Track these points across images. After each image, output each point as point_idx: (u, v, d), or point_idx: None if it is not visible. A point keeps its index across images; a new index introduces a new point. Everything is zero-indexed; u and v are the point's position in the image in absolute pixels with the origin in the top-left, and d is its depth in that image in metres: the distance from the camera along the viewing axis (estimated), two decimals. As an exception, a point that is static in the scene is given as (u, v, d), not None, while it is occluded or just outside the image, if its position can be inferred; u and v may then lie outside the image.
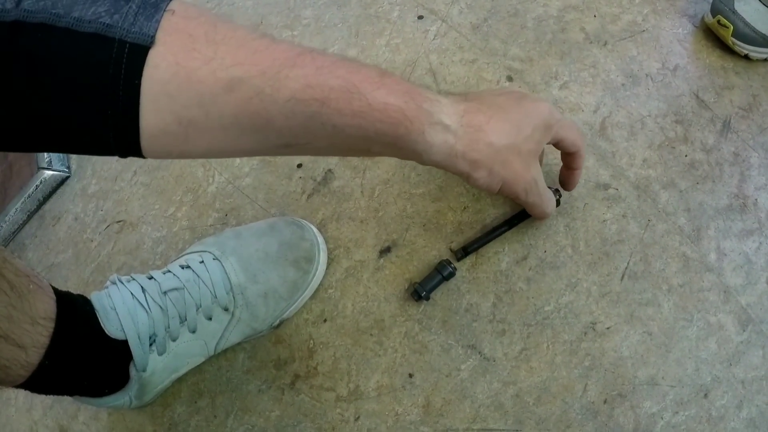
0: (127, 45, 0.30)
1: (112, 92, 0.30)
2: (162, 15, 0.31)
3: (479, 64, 0.71)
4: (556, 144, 0.53)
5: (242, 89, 0.33)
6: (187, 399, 0.62)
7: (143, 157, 0.33)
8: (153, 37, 0.30)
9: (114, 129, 0.31)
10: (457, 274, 0.60)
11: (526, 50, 0.72)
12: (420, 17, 0.75)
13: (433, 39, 0.74)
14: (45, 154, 0.79)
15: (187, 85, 0.32)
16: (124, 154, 0.33)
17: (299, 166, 0.69)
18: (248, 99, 0.33)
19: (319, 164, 0.68)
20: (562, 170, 0.59)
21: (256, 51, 0.33)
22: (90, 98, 0.30)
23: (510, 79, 0.70)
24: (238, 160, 0.71)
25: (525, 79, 0.70)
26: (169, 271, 0.56)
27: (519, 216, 0.62)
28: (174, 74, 0.31)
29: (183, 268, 0.57)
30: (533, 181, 0.50)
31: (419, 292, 0.59)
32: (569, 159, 0.56)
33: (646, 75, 0.70)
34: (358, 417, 0.59)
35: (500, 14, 0.74)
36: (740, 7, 0.74)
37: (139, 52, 0.30)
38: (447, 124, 0.42)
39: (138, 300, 0.53)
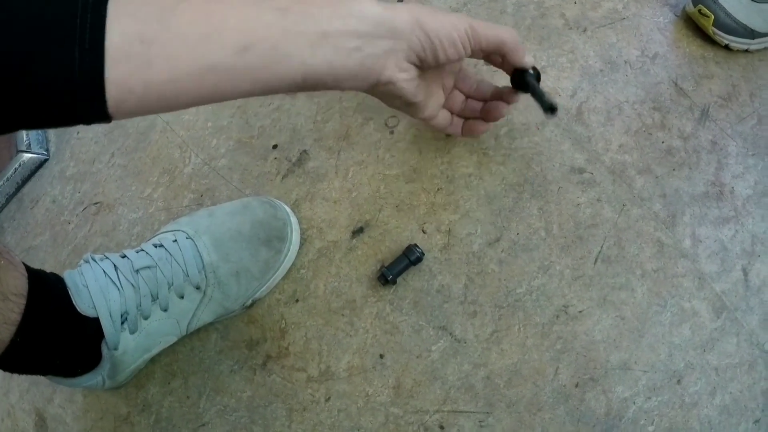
0: None
1: (81, 17, 0.30)
2: None
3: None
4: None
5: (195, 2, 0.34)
6: (160, 380, 0.62)
7: (105, 102, 0.32)
8: None
9: (80, 55, 0.30)
10: (429, 255, 0.60)
11: (505, 35, 0.71)
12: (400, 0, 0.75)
13: (414, 24, 0.73)
14: (24, 136, 0.78)
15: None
16: (86, 97, 0.32)
17: (275, 147, 0.68)
18: (205, 4, 0.34)
19: (294, 145, 0.68)
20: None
21: None
22: (55, 27, 0.30)
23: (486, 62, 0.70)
24: (214, 140, 0.70)
25: (502, 64, 0.69)
26: (142, 250, 0.56)
27: None
28: None
29: (156, 246, 0.57)
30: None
31: (386, 276, 0.58)
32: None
33: (625, 62, 0.70)
34: (329, 398, 0.59)
35: (480, -2, 0.74)
36: None
37: None
38: None
39: (110, 278, 0.53)
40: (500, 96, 0.56)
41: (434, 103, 0.52)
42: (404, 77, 0.44)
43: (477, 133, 0.58)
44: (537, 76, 0.54)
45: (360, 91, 0.45)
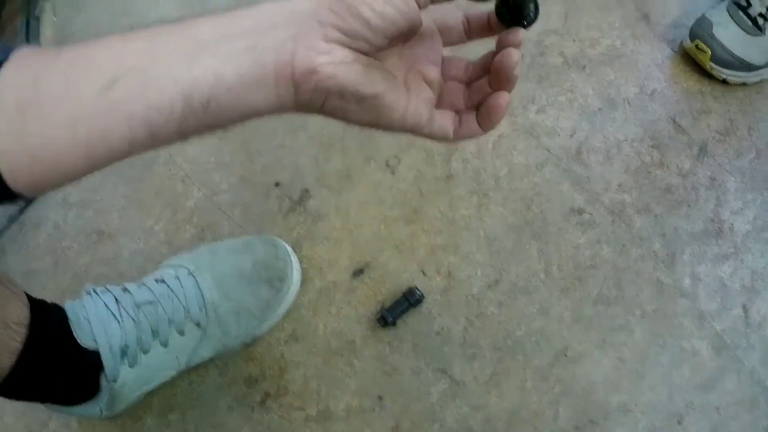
0: None
1: None
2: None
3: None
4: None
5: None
6: (158, 412, 0.63)
7: (4, 181, 0.30)
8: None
9: None
10: (429, 297, 0.62)
11: (504, 73, 0.72)
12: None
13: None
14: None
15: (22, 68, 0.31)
16: None
17: (277, 184, 0.70)
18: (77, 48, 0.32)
19: (296, 183, 0.70)
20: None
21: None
22: None
23: (488, 101, 0.71)
24: (216, 175, 0.71)
25: (503, 102, 0.70)
26: (144, 285, 0.57)
27: None
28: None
29: (158, 282, 0.58)
30: None
31: (386, 318, 0.60)
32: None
33: (624, 99, 0.71)
34: None
35: (481, 36, 0.75)
36: (719, 32, 0.77)
37: None
38: None
39: (111, 311, 0.54)
40: (501, 45, 0.40)
41: (416, 100, 0.40)
42: (328, 60, 0.33)
43: (498, 113, 0.40)
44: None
45: (305, 112, 0.35)
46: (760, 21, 0.78)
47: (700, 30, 0.78)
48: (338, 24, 0.32)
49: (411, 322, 0.62)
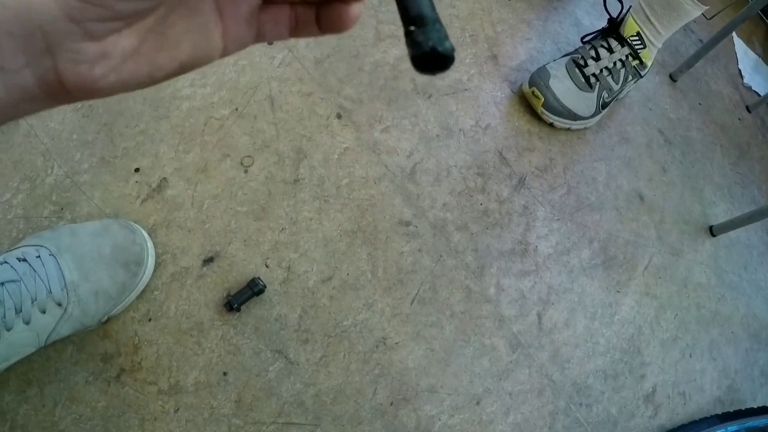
0: None
1: None
2: None
3: (314, 98, 0.93)
4: None
5: None
6: (15, 388, 0.71)
7: None
8: None
9: None
10: (270, 287, 0.80)
11: (358, 91, 0.94)
12: (270, 43, 0.98)
13: (278, 66, 0.94)
14: None
15: None
16: None
17: (137, 170, 0.84)
18: None
19: (155, 171, 0.84)
20: None
21: None
22: None
23: (339, 116, 0.92)
24: (78, 154, 0.84)
25: (352, 119, 0.92)
26: (6, 262, 0.67)
27: None
28: None
29: (20, 260, 0.68)
30: None
31: (232, 303, 0.77)
32: None
33: (460, 130, 0.96)
34: (178, 409, 0.74)
35: (343, 53, 0.97)
36: (554, 83, 1.01)
37: None
38: None
39: None
40: None
41: (234, 26, 0.34)
42: (106, 68, 0.28)
43: (345, 22, 0.34)
44: None
45: None
46: (592, 80, 1.03)
47: (538, 79, 1.01)
48: (99, 12, 0.27)
49: (253, 308, 0.79)
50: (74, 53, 0.27)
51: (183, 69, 0.32)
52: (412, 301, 0.87)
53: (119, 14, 0.27)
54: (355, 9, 0.34)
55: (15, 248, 0.71)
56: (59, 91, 0.28)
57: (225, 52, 0.34)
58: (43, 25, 0.26)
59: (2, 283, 0.65)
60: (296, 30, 0.36)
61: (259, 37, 0.36)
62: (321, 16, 0.35)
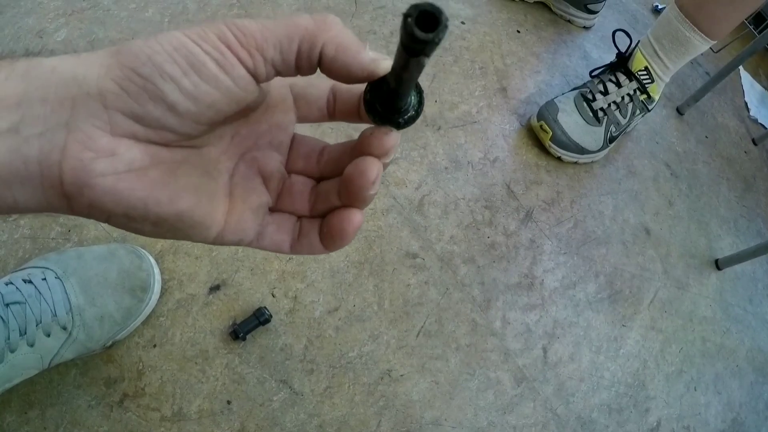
0: None
1: None
2: None
3: (324, 128, 0.94)
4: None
5: None
6: (17, 409, 0.71)
7: None
8: None
9: None
10: (276, 317, 0.81)
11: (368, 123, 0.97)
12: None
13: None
14: None
15: None
16: None
17: None
18: None
19: None
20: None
21: None
22: None
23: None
24: None
25: (364, 151, 0.95)
26: (12, 284, 0.67)
27: None
28: None
29: (26, 282, 0.68)
30: None
31: (237, 332, 0.78)
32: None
33: (468, 162, 0.98)
34: None
35: (354, 85, 1.01)
36: (562, 118, 1.02)
37: None
38: None
39: None
40: (361, 148, 0.33)
41: (240, 212, 0.34)
42: (108, 168, 0.27)
43: (342, 237, 0.34)
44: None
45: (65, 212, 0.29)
46: (600, 114, 1.04)
47: (546, 113, 1.02)
48: (130, 108, 0.26)
49: (259, 337, 0.80)
50: (87, 137, 0.26)
51: (178, 221, 0.30)
52: (418, 334, 0.87)
53: (146, 118, 0.27)
54: (357, 216, 0.34)
55: (21, 269, 0.72)
56: (53, 176, 0.27)
57: (222, 235, 0.33)
58: (77, 97, 0.26)
59: (7, 305, 0.65)
60: (296, 244, 0.37)
61: (259, 239, 0.36)
62: (323, 227, 0.36)
